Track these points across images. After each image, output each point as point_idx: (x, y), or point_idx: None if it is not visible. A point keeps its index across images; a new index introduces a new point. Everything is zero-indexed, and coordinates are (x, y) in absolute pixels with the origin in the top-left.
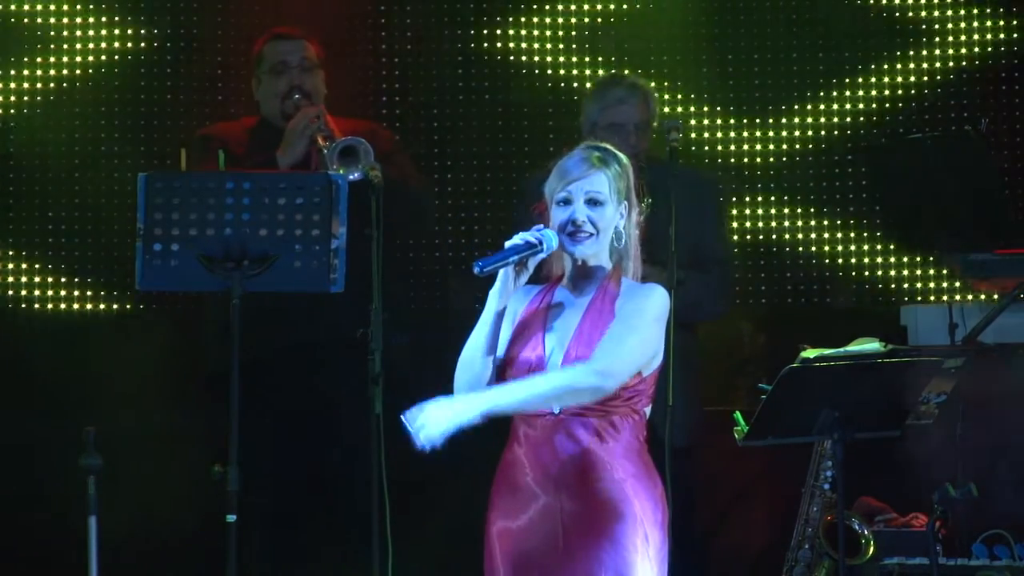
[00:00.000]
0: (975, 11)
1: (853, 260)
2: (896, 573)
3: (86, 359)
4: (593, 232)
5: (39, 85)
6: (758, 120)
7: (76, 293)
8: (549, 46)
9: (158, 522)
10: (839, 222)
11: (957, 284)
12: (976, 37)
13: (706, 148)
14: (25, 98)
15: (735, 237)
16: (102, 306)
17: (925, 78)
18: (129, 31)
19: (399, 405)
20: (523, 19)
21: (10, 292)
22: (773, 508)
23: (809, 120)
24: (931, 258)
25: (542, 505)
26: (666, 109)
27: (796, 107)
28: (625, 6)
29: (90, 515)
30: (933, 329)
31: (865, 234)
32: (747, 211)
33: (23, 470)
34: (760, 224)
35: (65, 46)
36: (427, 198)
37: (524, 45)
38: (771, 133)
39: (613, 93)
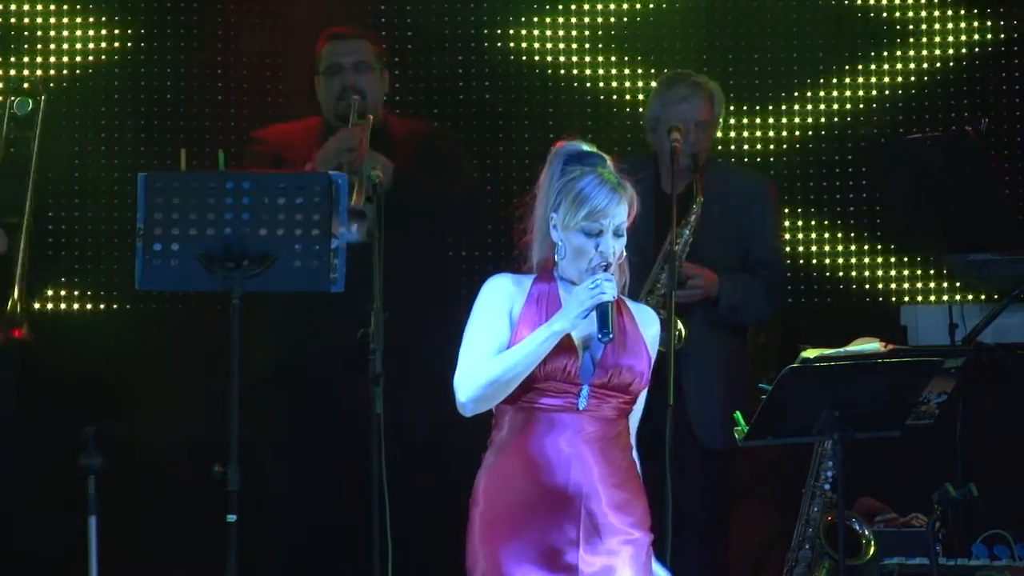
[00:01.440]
0: (960, 11)
1: (853, 260)
2: (896, 573)
3: (88, 358)
4: (611, 262)
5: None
6: (758, 119)
7: (76, 293)
8: (562, 46)
9: (158, 522)
10: (839, 222)
11: (957, 284)
12: (962, 38)
13: None
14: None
15: None
16: (102, 306)
17: (912, 78)
18: (129, 30)
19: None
20: (535, 19)
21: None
22: (773, 508)
23: (809, 114)
24: (931, 258)
25: (535, 495)
26: None
27: (795, 97)
28: (625, 5)
29: (90, 515)
30: (933, 329)
31: (865, 234)
32: None
33: (23, 471)
34: None
35: (65, 46)
36: (478, 202)
37: (536, 45)
38: (771, 132)
39: (676, 91)
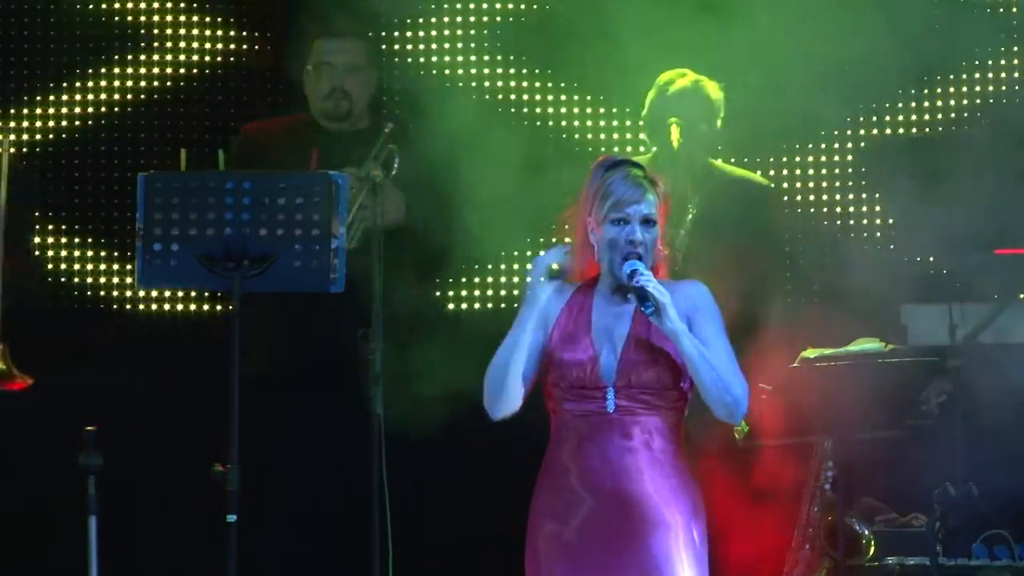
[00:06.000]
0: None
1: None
2: (896, 573)
3: (90, 357)
4: (643, 252)
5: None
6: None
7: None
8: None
9: (158, 522)
10: (839, 223)
11: (957, 284)
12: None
13: None
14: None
15: None
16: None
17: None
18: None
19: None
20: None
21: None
22: (773, 508)
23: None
24: (931, 258)
25: (588, 509)
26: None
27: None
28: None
29: (90, 515)
30: (933, 329)
31: (864, 234)
32: None
33: (23, 469)
34: None
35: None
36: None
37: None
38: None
39: (676, 88)
